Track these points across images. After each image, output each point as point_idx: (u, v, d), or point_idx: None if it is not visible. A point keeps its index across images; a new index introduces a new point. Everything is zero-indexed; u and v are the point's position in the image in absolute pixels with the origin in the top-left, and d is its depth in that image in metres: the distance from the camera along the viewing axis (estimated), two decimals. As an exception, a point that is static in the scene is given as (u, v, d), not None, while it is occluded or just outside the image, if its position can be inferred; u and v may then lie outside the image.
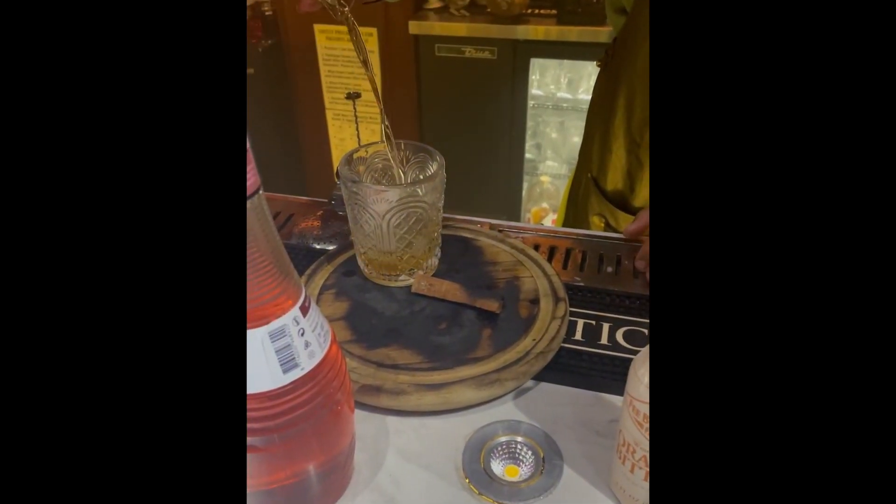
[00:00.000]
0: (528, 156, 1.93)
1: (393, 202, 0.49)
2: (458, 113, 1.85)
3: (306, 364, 0.32)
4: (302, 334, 0.31)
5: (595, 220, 0.80)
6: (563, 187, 2.03)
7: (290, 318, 0.31)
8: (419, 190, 0.50)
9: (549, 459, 0.40)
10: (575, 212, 0.86)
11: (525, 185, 1.98)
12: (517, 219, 1.98)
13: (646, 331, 0.51)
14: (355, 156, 0.54)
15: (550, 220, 2.00)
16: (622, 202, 0.77)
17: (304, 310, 0.32)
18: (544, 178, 2.02)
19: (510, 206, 1.98)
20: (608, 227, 0.78)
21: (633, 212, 0.75)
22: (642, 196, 0.75)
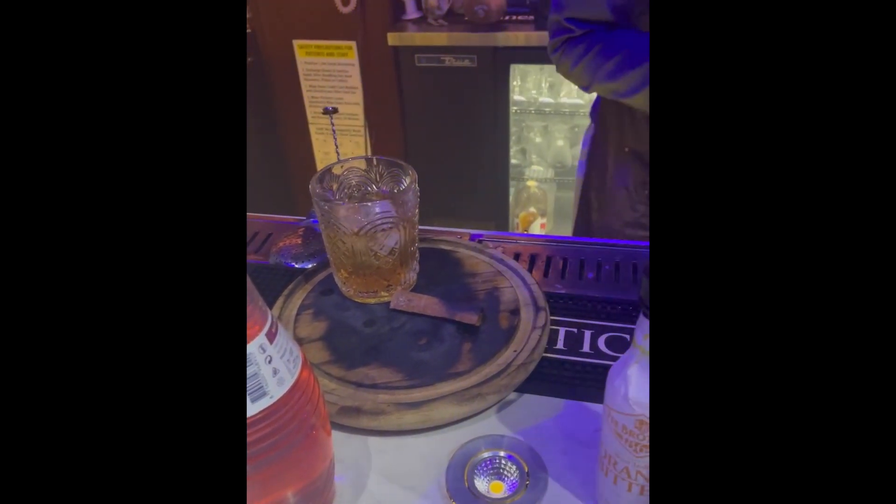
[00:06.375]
0: (513, 161, 1.93)
1: (366, 219, 0.49)
2: (442, 122, 1.85)
3: (275, 392, 0.31)
4: (269, 361, 0.31)
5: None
6: (550, 191, 2.04)
7: (255, 346, 0.30)
8: (392, 205, 0.49)
9: (533, 473, 0.40)
10: (600, 206, 0.85)
11: (511, 191, 1.98)
12: (505, 224, 1.98)
13: (627, 337, 0.51)
14: (329, 173, 0.54)
15: (539, 225, 2.00)
16: None
17: (271, 336, 0.31)
18: (531, 183, 2.01)
19: (498, 212, 1.97)
20: None
21: None
22: None
